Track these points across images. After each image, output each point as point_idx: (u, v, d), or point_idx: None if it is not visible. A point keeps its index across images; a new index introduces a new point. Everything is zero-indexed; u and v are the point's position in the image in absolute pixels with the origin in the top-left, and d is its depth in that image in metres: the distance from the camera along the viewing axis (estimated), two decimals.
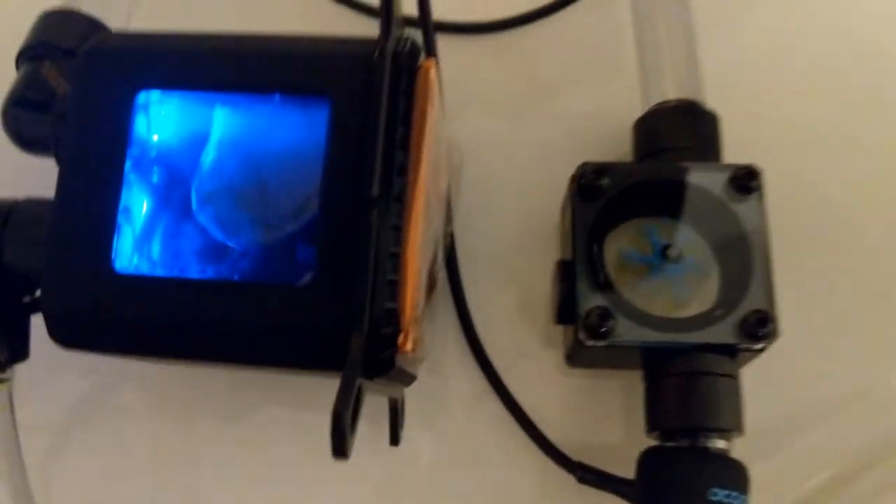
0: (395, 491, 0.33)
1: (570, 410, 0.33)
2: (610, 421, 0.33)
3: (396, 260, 0.23)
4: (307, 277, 0.23)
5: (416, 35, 0.26)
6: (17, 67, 0.31)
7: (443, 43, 0.32)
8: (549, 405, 0.34)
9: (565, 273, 0.30)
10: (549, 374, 0.34)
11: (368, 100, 0.23)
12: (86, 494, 0.34)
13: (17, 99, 0.29)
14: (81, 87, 0.25)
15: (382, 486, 0.33)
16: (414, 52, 0.25)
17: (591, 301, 0.29)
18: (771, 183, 0.30)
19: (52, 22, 0.31)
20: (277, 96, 0.24)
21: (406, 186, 0.23)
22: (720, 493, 0.27)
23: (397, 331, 0.23)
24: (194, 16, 0.39)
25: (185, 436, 0.34)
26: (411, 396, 0.31)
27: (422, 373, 0.29)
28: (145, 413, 0.34)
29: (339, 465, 0.20)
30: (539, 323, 0.34)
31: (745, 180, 0.30)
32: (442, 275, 0.34)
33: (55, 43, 0.30)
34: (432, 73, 0.24)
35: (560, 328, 0.33)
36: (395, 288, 0.23)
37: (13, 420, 0.28)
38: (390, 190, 0.23)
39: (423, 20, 0.31)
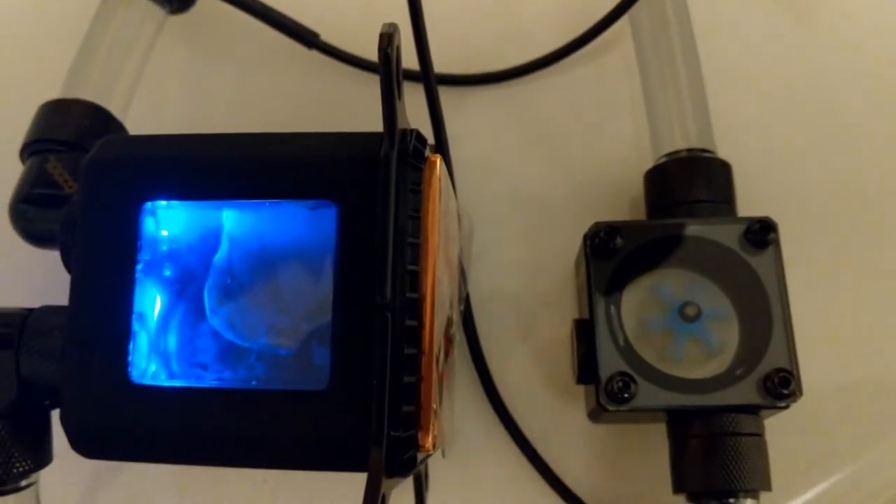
0: None
1: (596, 464, 0.33)
2: (636, 473, 0.33)
3: (413, 360, 0.23)
4: (323, 383, 0.23)
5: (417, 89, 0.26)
6: (22, 161, 0.31)
7: (444, 96, 0.32)
8: (573, 459, 0.34)
9: (583, 333, 0.30)
10: (572, 428, 0.34)
11: (375, 204, 0.23)
12: None
13: (25, 196, 0.29)
14: (87, 198, 0.25)
15: None
16: (419, 146, 0.24)
17: (611, 366, 0.29)
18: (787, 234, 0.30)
19: (53, 114, 0.31)
20: (276, 198, 0.24)
21: (418, 283, 0.23)
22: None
23: (417, 430, 0.23)
24: (194, 85, 0.39)
25: None
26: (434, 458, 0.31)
27: None
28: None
29: None
30: (559, 377, 0.34)
31: (761, 234, 0.30)
32: (460, 337, 0.34)
33: (58, 137, 0.30)
34: (438, 166, 0.24)
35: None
36: (412, 390, 0.23)
37: None
38: (402, 290, 0.23)
39: (428, 90, 0.31)
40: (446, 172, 0.26)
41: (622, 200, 0.35)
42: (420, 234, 0.24)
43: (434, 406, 0.23)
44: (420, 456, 0.23)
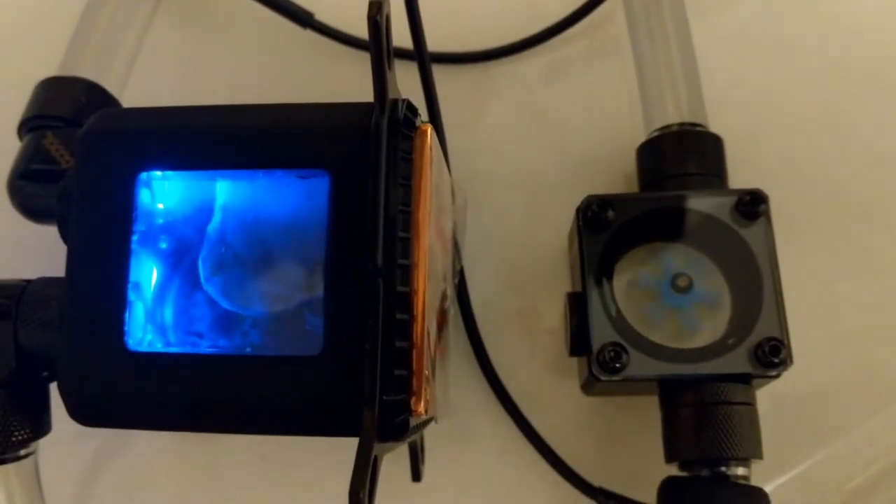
0: None
1: (589, 436, 0.34)
2: (628, 444, 0.33)
3: (404, 326, 0.23)
4: (316, 349, 0.23)
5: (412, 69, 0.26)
6: (20, 137, 0.31)
7: (438, 74, 0.32)
8: (567, 431, 0.34)
9: (576, 306, 0.30)
10: (566, 401, 0.34)
11: (367, 173, 0.23)
12: None
13: (22, 172, 0.29)
14: (83, 170, 0.25)
15: None
16: (409, 115, 0.25)
17: (603, 336, 0.29)
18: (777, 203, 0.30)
19: (50, 90, 0.31)
20: (270, 167, 0.24)
21: (409, 250, 0.24)
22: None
23: (409, 395, 0.23)
24: (190, 64, 0.39)
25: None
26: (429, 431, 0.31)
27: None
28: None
29: None
30: (552, 350, 0.35)
31: (752, 205, 0.30)
32: (455, 311, 0.34)
33: (55, 113, 0.30)
34: (429, 135, 0.24)
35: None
36: (404, 354, 0.23)
37: (41, 493, 0.28)
38: (394, 257, 0.23)
39: (422, 67, 0.31)
40: (438, 143, 0.26)
41: (617, 176, 0.36)
42: (411, 202, 0.24)
43: (426, 372, 0.23)
44: (413, 421, 0.24)
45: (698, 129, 0.33)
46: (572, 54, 0.38)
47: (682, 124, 0.33)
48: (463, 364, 0.35)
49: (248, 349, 0.25)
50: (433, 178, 0.25)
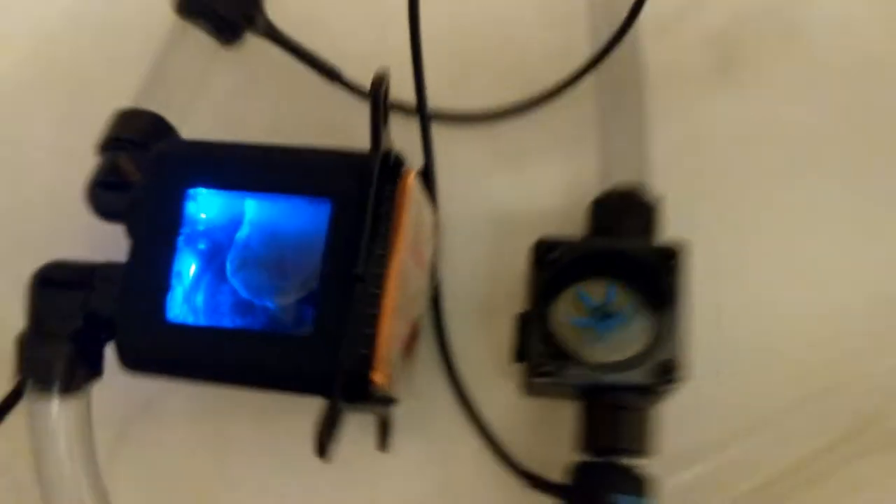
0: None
1: (529, 431, 0.41)
2: (559, 438, 0.41)
3: (373, 319, 0.31)
4: (308, 331, 0.31)
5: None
6: (98, 153, 0.40)
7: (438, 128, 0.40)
8: (512, 425, 0.41)
9: (522, 324, 0.38)
10: (514, 401, 0.42)
11: (360, 205, 0.31)
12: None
13: (99, 182, 0.38)
14: (148, 184, 0.33)
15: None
16: (398, 163, 0.33)
17: (538, 348, 0.37)
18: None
19: (124, 119, 0.40)
20: (286, 192, 0.33)
21: (385, 266, 0.32)
22: (624, 499, 0.35)
23: (371, 369, 0.31)
24: (234, 106, 0.48)
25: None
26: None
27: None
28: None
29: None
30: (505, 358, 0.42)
31: (669, 257, 0.38)
32: (428, 319, 0.42)
33: (127, 137, 0.39)
34: (410, 180, 0.33)
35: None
36: (371, 339, 0.31)
37: (90, 423, 0.36)
38: (372, 269, 0.31)
39: (423, 126, 0.39)
40: (419, 186, 0.34)
41: (578, 221, 0.43)
42: (391, 229, 0.32)
43: (386, 354, 0.31)
44: (375, 392, 0.32)
45: (638, 194, 0.40)
46: (550, 121, 0.46)
47: (627, 189, 0.41)
48: (429, 362, 0.42)
49: (258, 327, 0.33)
50: (412, 212, 0.33)
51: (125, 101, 0.41)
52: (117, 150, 0.39)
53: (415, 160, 0.37)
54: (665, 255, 0.38)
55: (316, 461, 0.33)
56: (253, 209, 0.34)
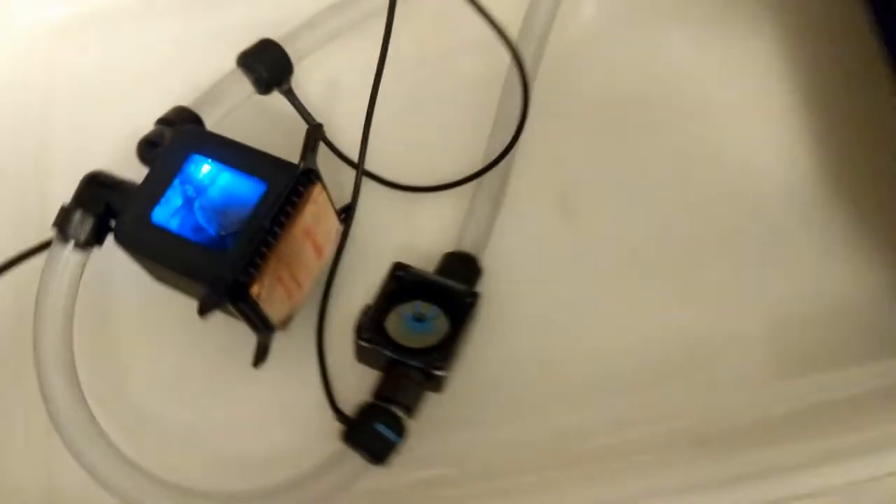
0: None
1: (355, 382, 0.59)
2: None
3: (264, 256, 0.52)
4: (229, 248, 0.52)
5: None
6: (155, 125, 0.62)
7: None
8: (345, 376, 0.59)
9: (366, 310, 0.58)
10: (352, 362, 0.60)
11: (282, 191, 0.53)
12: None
13: (147, 140, 0.60)
14: (169, 146, 0.56)
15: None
16: (314, 177, 0.55)
17: (367, 325, 0.57)
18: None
19: (176, 110, 0.62)
20: (246, 172, 0.54)
21: (282, 230, 0.53)
22: (383, 428, 0.54)
23: (252, 283, 0.52)
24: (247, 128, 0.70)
25: None
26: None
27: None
28: None
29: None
30: None
31: (470, 299, 0.58)
32: (323, 279, 0.62)
33: (173, 120, 0.61)
34: (314, 190, 0.54)
35: None
36: (257, 266, 0.52)
37: (77, 284, 0.57)
38: (275, 228, 0.53)
39: (358, 179, 0.61)
40: (322, 195, 0.56)
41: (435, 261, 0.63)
42: (293, 211, 0.53)
43: (265, 281, 0.52)
44: (250, 297, 0.52)
45: (473, 256, 0.61)
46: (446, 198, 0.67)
47: (465, 252, 0.61)
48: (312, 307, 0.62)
49: (205, 240, 0.55)
50: (310, 208, 0.54)
51: (184, 101, 0.64)
52: (165, 125, 0.61)
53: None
54: (469, 297, 0.58)
55: (209, 370, 0.54)
56: (223, 176, 0.56)
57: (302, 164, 0.54)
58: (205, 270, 0.52)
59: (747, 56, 0.68)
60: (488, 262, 0.62)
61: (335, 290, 0.62)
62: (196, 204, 0.55)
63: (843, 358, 0.59)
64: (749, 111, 0.66)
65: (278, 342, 0.60)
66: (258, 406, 0.61)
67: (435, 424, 0.58)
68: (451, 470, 0.59)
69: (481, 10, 0.61)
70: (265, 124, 0.68)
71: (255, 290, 0.52)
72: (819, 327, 0.59)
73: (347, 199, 0.62)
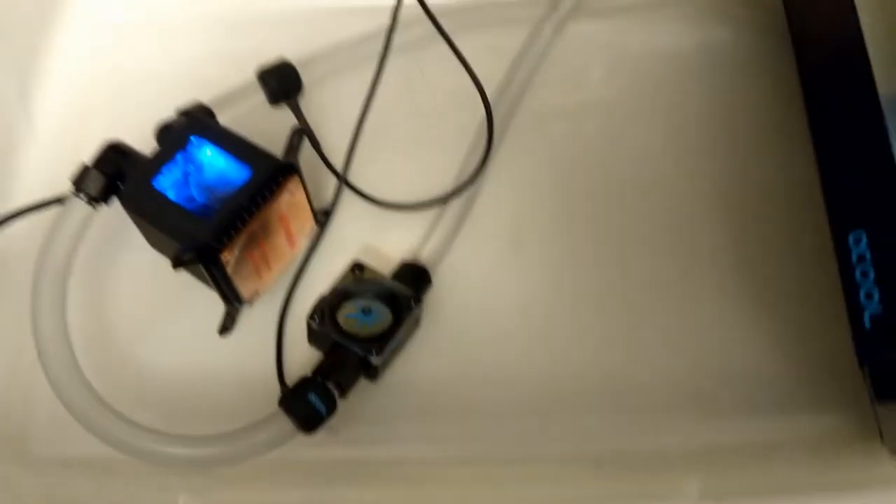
0: None
1: (305, 360, 0.67)
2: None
3: (237, 229, 0.61)
4: (208, 218, 0.61)
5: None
6: (176, 114, 0.72)
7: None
8: (300, 352, 0.67)
9: (321, 298, 0.67)
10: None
11: (264, 178, 0.62)
12: None
13: (166, 125, 0.70)
14: (179, 130, 0.65)
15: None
16: (293, 171, 0.64)
17: (319, 311, 0.65)
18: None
19: (195, 105, 0.72)
20: (238, 159, 0.64)
21: (253, 210, 0.62)
22: (314, 397, 0.62)
23: (223, 249, 0.61)
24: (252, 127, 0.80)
25: None
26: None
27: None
28: None
29: None
30: None
31: (410, 302, 0.66)
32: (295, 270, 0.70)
33: (190, 112, 0.71)
34: (290, 181, 0.63)
35: None
36: (232, 236, 0.61)
37: (78, 238, 0.66)
38: (252, 208, 0.62)
39: (338, 188, 0.70)
40: (299, 188, 0.65)
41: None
42: (269, 196, 0.62)
43: (234, 250, 0.61)
44: (221, 262, 0.61)
45: (422, 267, 0.69)
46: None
47: (418, 263, 0.70)
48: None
49: (193, 209, 0.63)
50: (284, 197, 0.63)
51: (206, 98, 0.74)
52: (182, 115, 0.71)
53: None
54: (410, 300, 0.66)
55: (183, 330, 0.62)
56: (218, 159, 0.65)
57: (283, 159, 0.62)
58: (186, 233, 0.61)
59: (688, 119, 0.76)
60: (444, 277, 0.70)
61: (304, 282, 0.70)
62: (192, 179, 0.64)
63: (747, 408, 0.65)
64: (687, 172, 0.74)
65: (246, 317, 0.68)
66: (218, 367, 0.69)
67: (366, 412, 0.65)
68: (372, 452, 0.65)
69: (463, 62, 0.70)
70: (276, 131, 0.77)
71: (225, 256, 0.61)
72: (731, 378, 0.66)
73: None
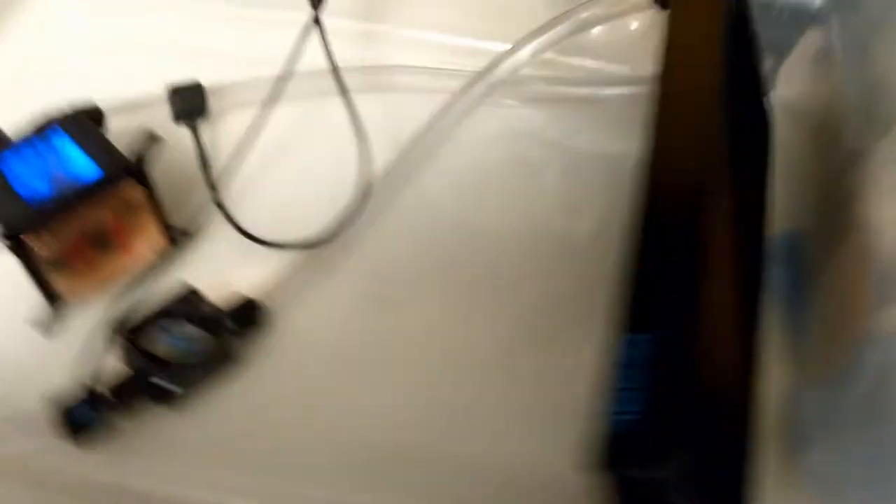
0: None
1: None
2: None
3: (57, 220, 0.60)
4: (37, 206, 0.60)
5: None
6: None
7: None
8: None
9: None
10: None
11: (107, 176, 0.61)
12: None
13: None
14: (54, 122, 0.65)
15: None
16: (130, 174, 0.62)
17: (124, 327, 0.63)
18: None
19: (90, 107, 0.72)
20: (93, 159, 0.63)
21: (82, 204, 0.60)
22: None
23: (32, 237, 0.59)
24: None
25: None
26: None
27: None
28: None
29: None
30: None
31: (225, 335, 0.63)
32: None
33: (83, 111, 0.71)
34: (127, 187, 0.62)
35: None
36: (46, 227, 0.59)
37: None
38: (76, 201, 0.60)
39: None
40: (147, 205, 0.63)
41: None
42: (101, 196, 0.61)
43: (48, 241, 0.59)
44: (28, 250, 0.59)
45: (259, 305, 0.66)
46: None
47: (255, 300, 0.67)
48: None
49: (25, 194, 0.62)
50: (118, 201, 0.62)
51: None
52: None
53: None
54: (227, 333, 0.63)
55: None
56: (73, 153, 0.64)
57: (130, 162, 0.62)
58: (5, 213, 0.60)
59: None
60: (293, 319, 0.67)
61: (148, 296, 0.68)
62: (43, 168, 0.63)
63: None
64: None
65: (75, 320, 0.66)
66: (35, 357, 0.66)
67: (167, 444, 0.62)
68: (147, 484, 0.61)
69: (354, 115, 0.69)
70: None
71: (36, 245, 0.59)
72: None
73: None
